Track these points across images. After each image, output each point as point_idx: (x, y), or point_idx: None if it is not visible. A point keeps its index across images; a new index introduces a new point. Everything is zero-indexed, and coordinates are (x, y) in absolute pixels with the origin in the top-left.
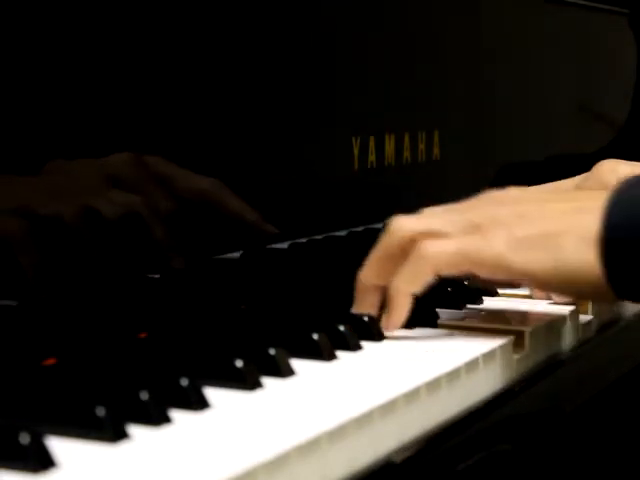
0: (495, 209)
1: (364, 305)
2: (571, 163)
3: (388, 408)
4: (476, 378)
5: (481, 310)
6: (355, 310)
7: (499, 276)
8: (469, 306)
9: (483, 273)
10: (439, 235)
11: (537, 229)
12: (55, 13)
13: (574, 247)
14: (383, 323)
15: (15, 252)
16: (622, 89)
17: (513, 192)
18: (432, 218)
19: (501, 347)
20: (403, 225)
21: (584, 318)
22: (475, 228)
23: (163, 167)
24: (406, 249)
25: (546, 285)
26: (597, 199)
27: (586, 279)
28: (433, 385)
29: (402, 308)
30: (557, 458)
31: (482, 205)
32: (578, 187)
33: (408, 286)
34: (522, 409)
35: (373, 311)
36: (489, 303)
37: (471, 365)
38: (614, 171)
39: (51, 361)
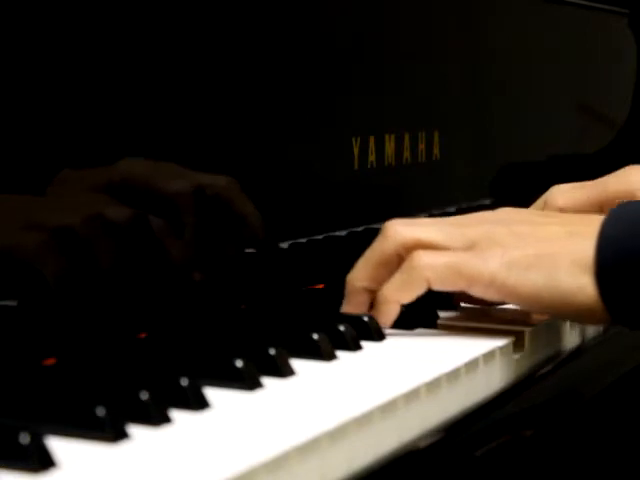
0: (492, 227)
1: (353, 306)
2: (571, 163)
3: (388, 408)
4: (476, 378)
5: (482, 310)
6: (344, 310)
7: (491, 295)
8: (468, 306)
9: (475, 291)
10: (435, 247)
11: (532, 250)
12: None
13: (568, 271)
14: None
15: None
16: (622, 89)
17: (509, 212)
18: (429, 228)
19: (501, 347)
20: (399, 232)
21: None
22: (471, 244)
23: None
24: (400, 256)
25: (539, 307)
26: (591, 224)
27: (581, 303)
28: (433, 385)
29: (389, 315)
30: (556, 459)
31: (479, 222)
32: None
33: (398, 295)
34: (523, 408)
35: (362, 312)
36: None
37: (471, 365)
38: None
39: (51, 361)
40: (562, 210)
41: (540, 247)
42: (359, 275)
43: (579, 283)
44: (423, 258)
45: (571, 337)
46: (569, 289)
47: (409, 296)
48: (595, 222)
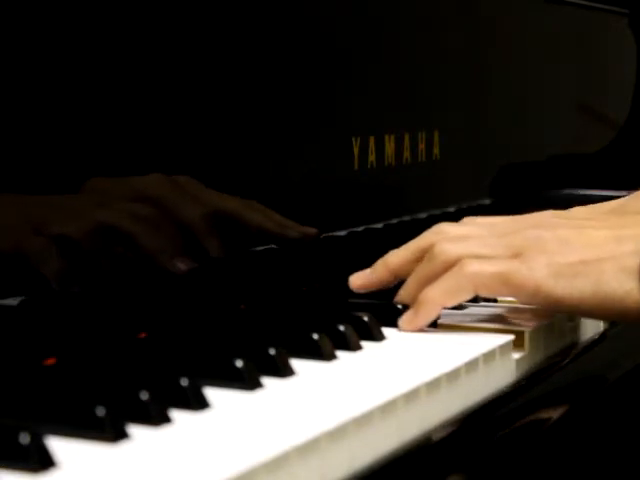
0: (537, 233)
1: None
2: (571, 163)
3: (388, 408)
4: (476, 378)
5: (482, 310)
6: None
7: (537, 302)
8: (469, 305)
9: (521, 298)
10: (482, 257)
11: (578, 256)
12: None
13: (615, 277)
14: (404, 321)
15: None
16: (622, 89)
17: (557, 214)
18: (475, 244)
19: (501, 347)
20: (446, 251)
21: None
22: (517, 252)
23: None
24: (447, 269)
25: (586, 313)
26: (637, 226)
27: (628, 307)
28: (433, 385)
29: (429, 316)
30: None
31: (525, 227)
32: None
33: (444, 298)
34: (523, 410)
35: None
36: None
37: (471, 365)
38: None
39: (51, 361)
40: None
41: (586, 252)
42: (411, 292)
43: (626, 288)
44: (472, 266)
45: (571, 337)
46: (616, 295)
47: (454, 301)
48: None
